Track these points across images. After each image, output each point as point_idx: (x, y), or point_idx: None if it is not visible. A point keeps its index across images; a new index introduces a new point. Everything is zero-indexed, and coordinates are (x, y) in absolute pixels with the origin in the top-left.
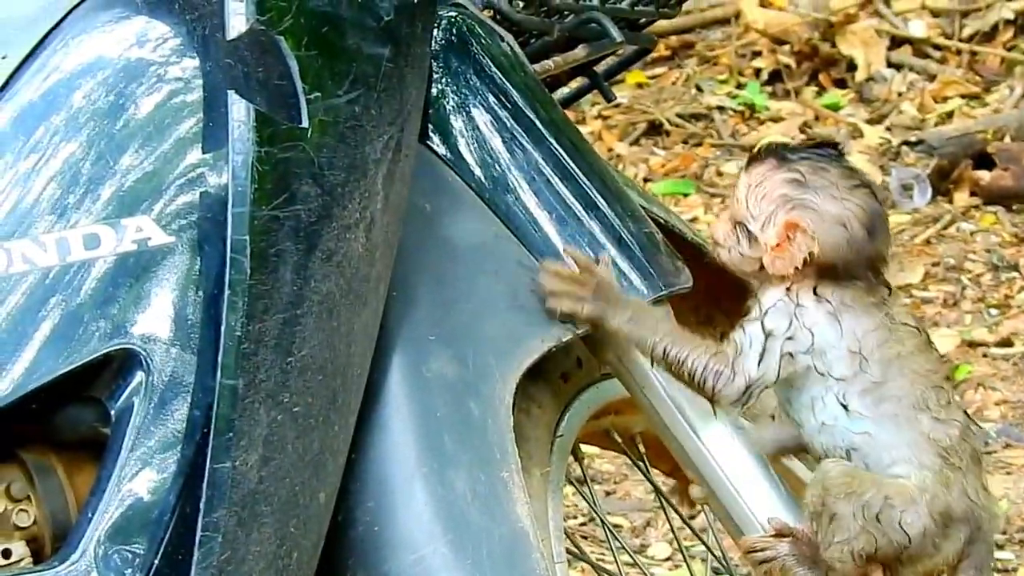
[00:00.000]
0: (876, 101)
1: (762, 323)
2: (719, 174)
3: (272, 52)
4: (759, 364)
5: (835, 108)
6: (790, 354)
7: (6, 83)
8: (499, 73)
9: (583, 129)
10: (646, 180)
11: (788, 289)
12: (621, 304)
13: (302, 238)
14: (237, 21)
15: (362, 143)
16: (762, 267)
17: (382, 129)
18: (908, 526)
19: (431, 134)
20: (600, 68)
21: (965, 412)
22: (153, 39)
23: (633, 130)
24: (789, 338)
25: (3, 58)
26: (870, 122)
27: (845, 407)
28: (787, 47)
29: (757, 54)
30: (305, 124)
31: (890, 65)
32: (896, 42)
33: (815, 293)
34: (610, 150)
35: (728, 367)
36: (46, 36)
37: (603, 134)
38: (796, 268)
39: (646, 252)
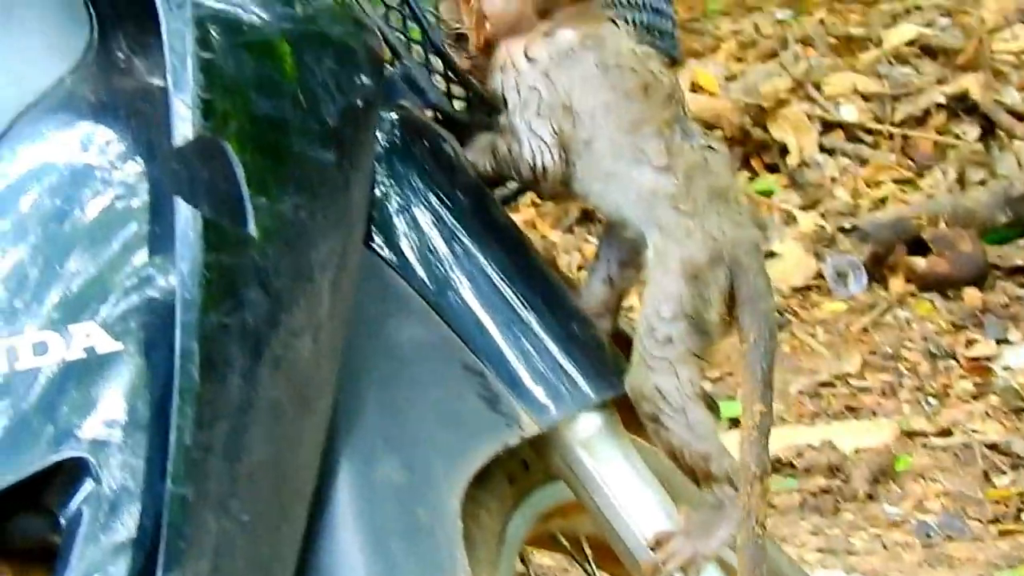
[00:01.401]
0: (809, 186)
1: (504, 103)
2: None
3: (218, 157)
4: (524, 147)
5: (768, 194)
6: (537, 114)
7: None
8: (441, 174)
9: (516, 217)
10: (580, 268)
11: (503, 66)
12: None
13: (250, 345)
14: (183, 127)
15: (308, 248)
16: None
17: (328, 234)
18: (667, 304)
19: (375, 237)
20: None
21: (710, 146)
22: (98, 144)
23: (566, 218)
24: (524, 107)
25: None
26: (804, 208)
27: (573, 165)
28: (719, 132)
29: None
30: (252, 230)
31: (823, 150)
32: (828, 127)
33: (527, 57)
34: (544, 237)
35: (517, 158)
36: None
37: (536, 222)
38: (484, 30)
39: (591, 354)
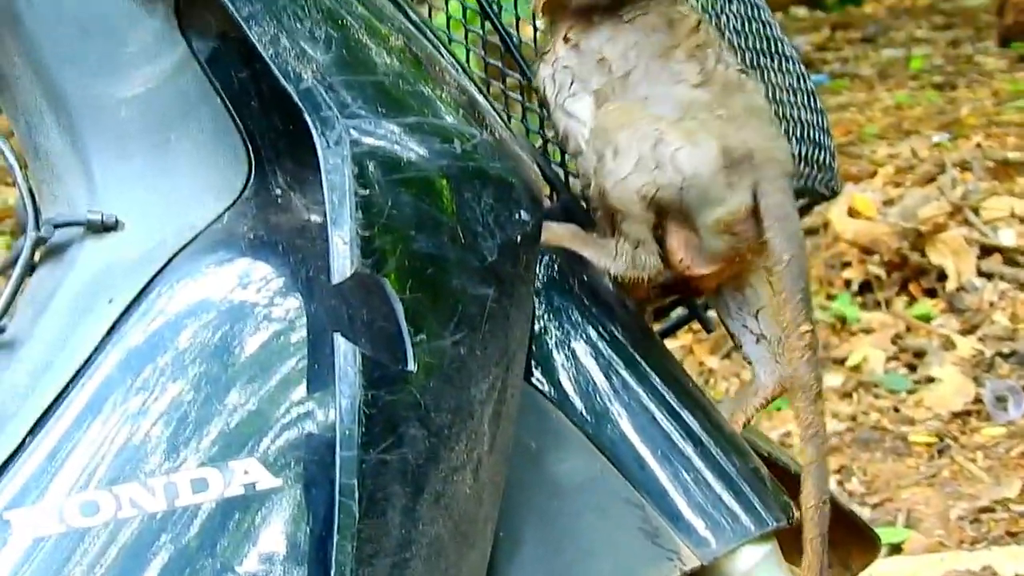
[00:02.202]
0: (968, 311)
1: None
2: None
3: (377, 294)
4: (561, 130)
5: (926, 319)
6: (570, 93)
7: (113, 327)
8: (599, 308)
9: (673, 344)
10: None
11: (545, 55)
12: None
13: (410, 481)
14: (342, 264)
15: (468, 384)
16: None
17: (488, 370)
18: (682, 163)
19: (534, 371)
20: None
21: (744, 71)
22: (256, 280)
23: (725, 344)
24: (559, 91)
25: (109, 302)
26: (962, 332)
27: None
28: (876, 257)
29: (847, 264)
30: (411, 367)
31: (981, 274)
32: (986, 251)
33: (565, 40)
34: (701, 364)
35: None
36: (151, 280)
37: (694, 348)
38: (547, 9)
39: (752, 487)
